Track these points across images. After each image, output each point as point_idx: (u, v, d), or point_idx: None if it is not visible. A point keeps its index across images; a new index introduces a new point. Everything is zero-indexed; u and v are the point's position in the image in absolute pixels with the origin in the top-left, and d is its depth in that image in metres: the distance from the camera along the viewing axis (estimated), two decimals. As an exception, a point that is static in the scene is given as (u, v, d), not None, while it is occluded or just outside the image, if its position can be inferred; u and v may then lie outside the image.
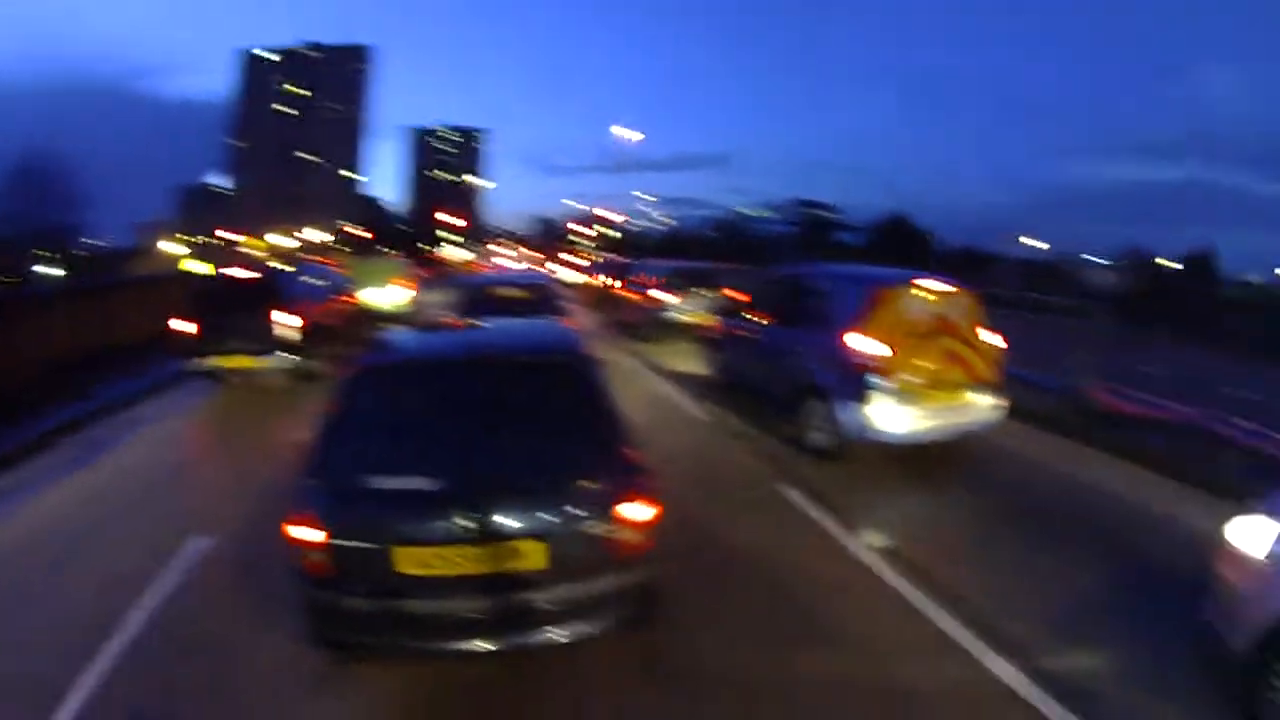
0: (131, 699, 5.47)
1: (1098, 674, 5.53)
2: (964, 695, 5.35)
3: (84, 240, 58.40)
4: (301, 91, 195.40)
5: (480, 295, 14.28)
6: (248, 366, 14.92)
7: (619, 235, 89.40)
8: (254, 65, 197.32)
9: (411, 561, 5.02)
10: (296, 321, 14.95)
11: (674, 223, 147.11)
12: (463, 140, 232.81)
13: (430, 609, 5.11)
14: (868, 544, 7.63)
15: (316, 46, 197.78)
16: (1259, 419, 10.84)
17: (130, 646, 6.05)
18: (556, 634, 5.23)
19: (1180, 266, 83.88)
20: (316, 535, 5.06)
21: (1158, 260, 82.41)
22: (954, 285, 10.22)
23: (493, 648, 5.18)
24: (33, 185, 48.28)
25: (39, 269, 50.80)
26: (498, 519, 5.03)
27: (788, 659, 5.78)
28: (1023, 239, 78.35)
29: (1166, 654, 5.75)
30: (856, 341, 9.65)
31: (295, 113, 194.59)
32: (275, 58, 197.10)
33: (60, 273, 51.98)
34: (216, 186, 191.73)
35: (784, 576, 7.00)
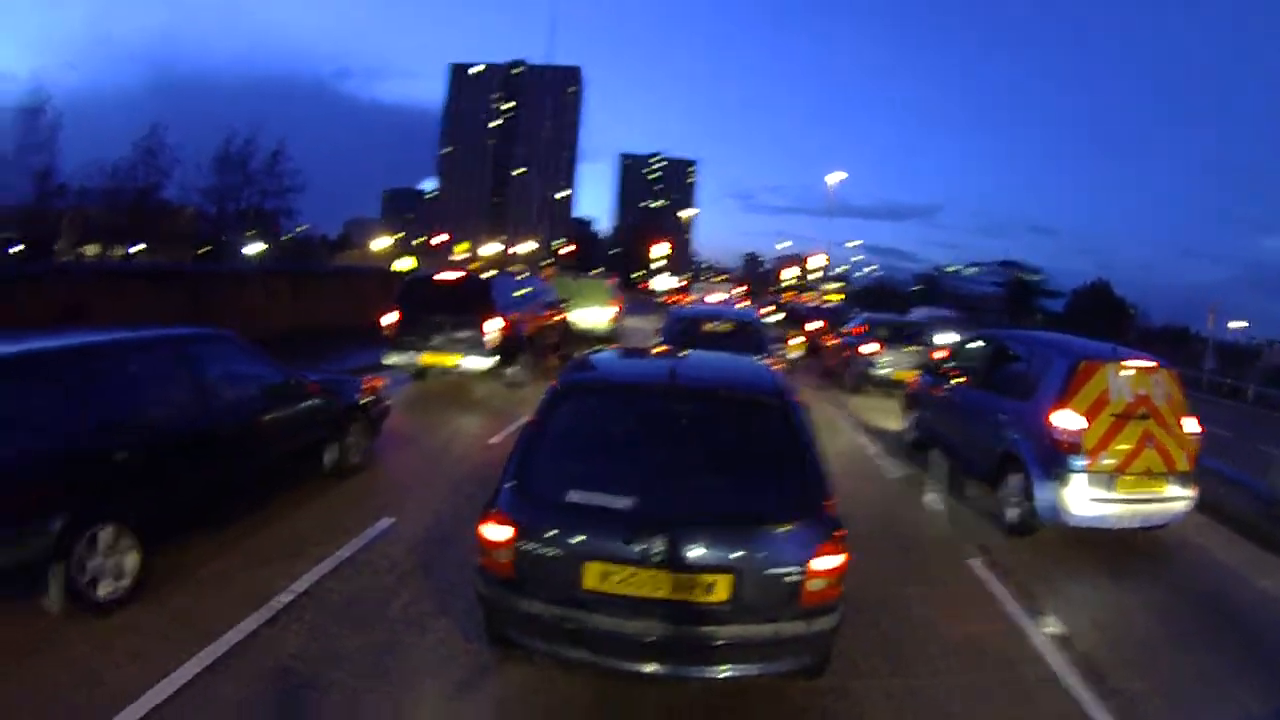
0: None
1: None
2: None
3: (290, 225, 61.25)
4: (511, 107, 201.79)
5: (687, 326, 14.21)
6: (447, 365, 15.59)
7: (840, 282, 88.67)
8: (464, 78, 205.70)
9: (596, 576, 5.13)
10: (500, 326, 15.55)
11: (879, 272, 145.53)
12: (674, 170, 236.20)
13: (606, 625, 5.17)
14: (1044, 629, 7.26)
15: (527, 65, 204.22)
16: None
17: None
18: (728, 670, 5.23)
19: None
20: (509, 535, 5.25)
21: None
22: (1159, 364, 9.65)
23: (661, 672, 5.21)
24: (240, 167, 51.15)
25: (248, 250, 53.60)
26: (687, 548, 5.07)
27: None
28: (1223, 318, 73.71)
29: None
30: (1060, 418, 9.19)
31: (504, 126, 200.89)
32: (485, 71, 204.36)
33: (259, 249, 54.72)
34: (424, 191, 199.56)
35: (952, 648, 6.76)
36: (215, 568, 7.13)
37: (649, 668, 5.21)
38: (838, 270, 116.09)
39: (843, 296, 74.23)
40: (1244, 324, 72.67)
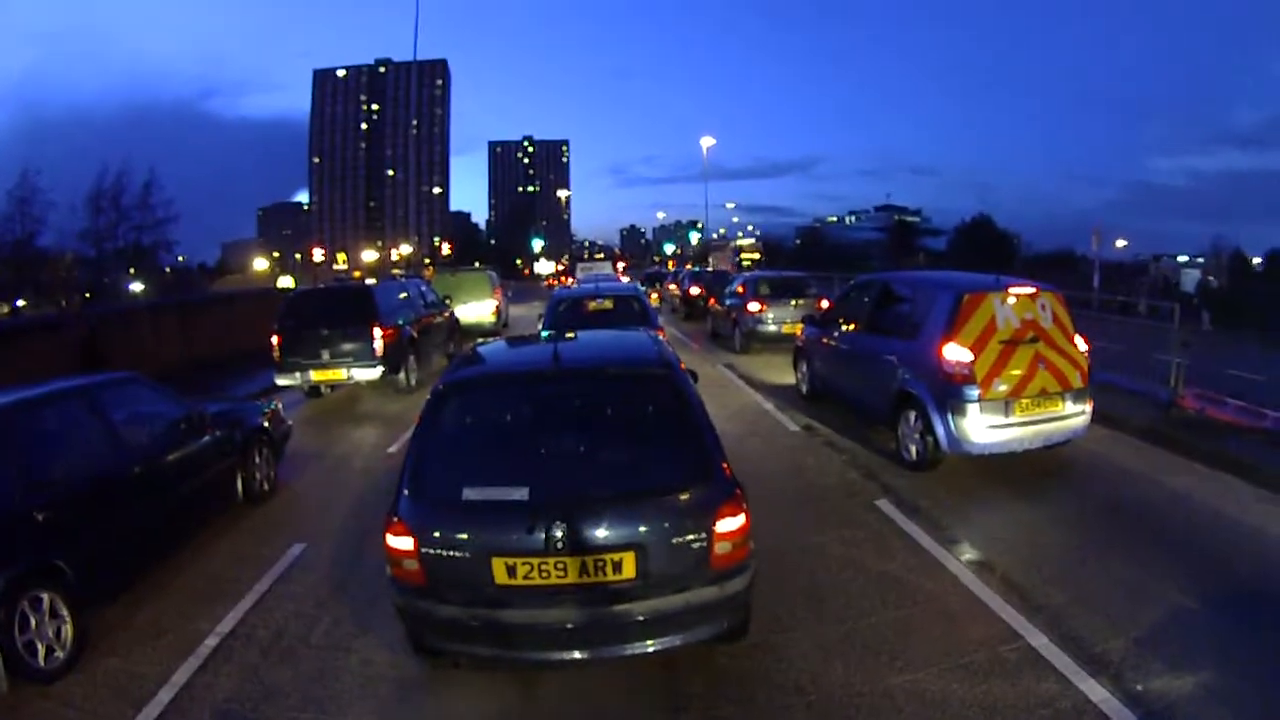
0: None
1: (1189, 696, 5.25)
2: (1053, 714, 5.16)
3: (170, 258, 59.98)
4: (378, 108, 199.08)
5: (570, 307, 14.20)
6: (338, 379, 15.46)
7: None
8: (328, 83, 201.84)
9: (504, 571, 5.08)
10: (384, 334, 15.46)
11: (759, 231, 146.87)
12: (546, 153, 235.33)
13: (522, 619, 5.15)
14: (960, 556, 7.48)
15: (391, 63, 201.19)
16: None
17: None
18: (650, 645, 5.24)
19: (1264, 261, 79.65)
20: (412, 544, 5.17)
21: (1247, 258, 78.89)
22: (1043, 289, 9.98)
23: (584, 658, 5.22)
24: (114, 205, 49.88)
25: (131, 288, 52.22)
26: (589, 530, 5.06)
27: (876, 672, 5.69)
28: (1105, 238, 76.42)
29: (1256, 677, 5.41)
30: (950, 352, 9.42)
31: (373, 128, 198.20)
32: (349, 75, 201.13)
33: (140, 288, 53.37)
34: (299, 204, 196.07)
35: (874, 589, 6.91)
36: (143, 618, 6.91)
37: (571, 655, 5.21)
38: (718, 232, 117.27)
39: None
40: (1125, 243, 75.26)
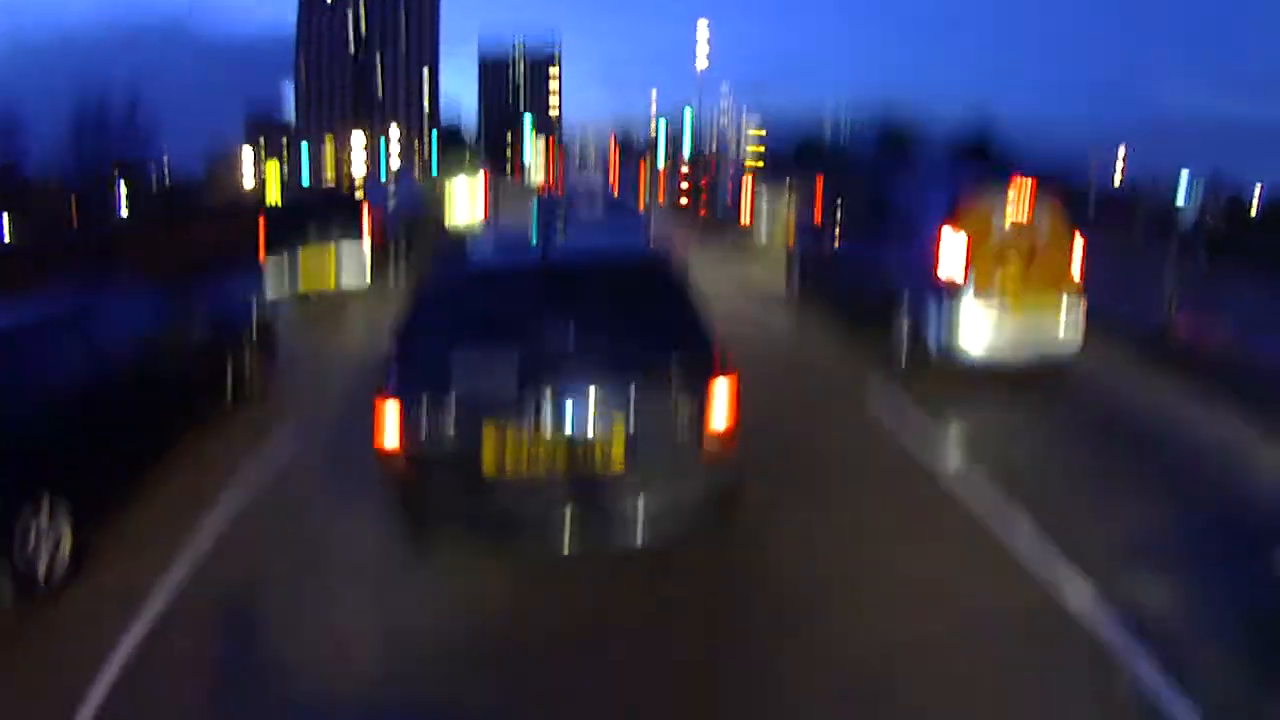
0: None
1: (1160, 608, 5.31)
2: (1026, 614, 5.28)
3: (158, 174, 59.36)
4: (364, 13, 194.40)
5: (561, 209, 14.03)
6: (327, 288, 15.33)
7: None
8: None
9: (494, 454, 5.07)
10: (373, 237, 15.51)
11: (757, 132, 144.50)
12: (534, 53, 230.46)
13: (511, 503, 5.18)
14: (950, 453, 7.60)
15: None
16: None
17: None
18: (640, 532, 5.26)
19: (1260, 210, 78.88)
20: (399, 423, 5.17)
21: (1246, 203, 77.98)
22: (1039, 188, 9.74)
23: (576, 545, 5.27)
24: (101, 124, 49.16)
25: (121, 208, 51.80)
26: (579, 414, 5.08)
27: (874, 566, 5.81)
28: (1103, 167, 75.33)
29: (1224, 598, 5.46)
30: (945, 256, 9.35)
31: (360, 25, 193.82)
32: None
33: (130, 204, 52.92)
34: (286, 116, 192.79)
35: (866, 481, 7.05)
36: (140, 525, 6.88)
37: (559, 539, 5.26)
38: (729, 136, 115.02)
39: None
40: (1122, 172, 74.16)
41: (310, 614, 5.53)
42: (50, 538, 5.92)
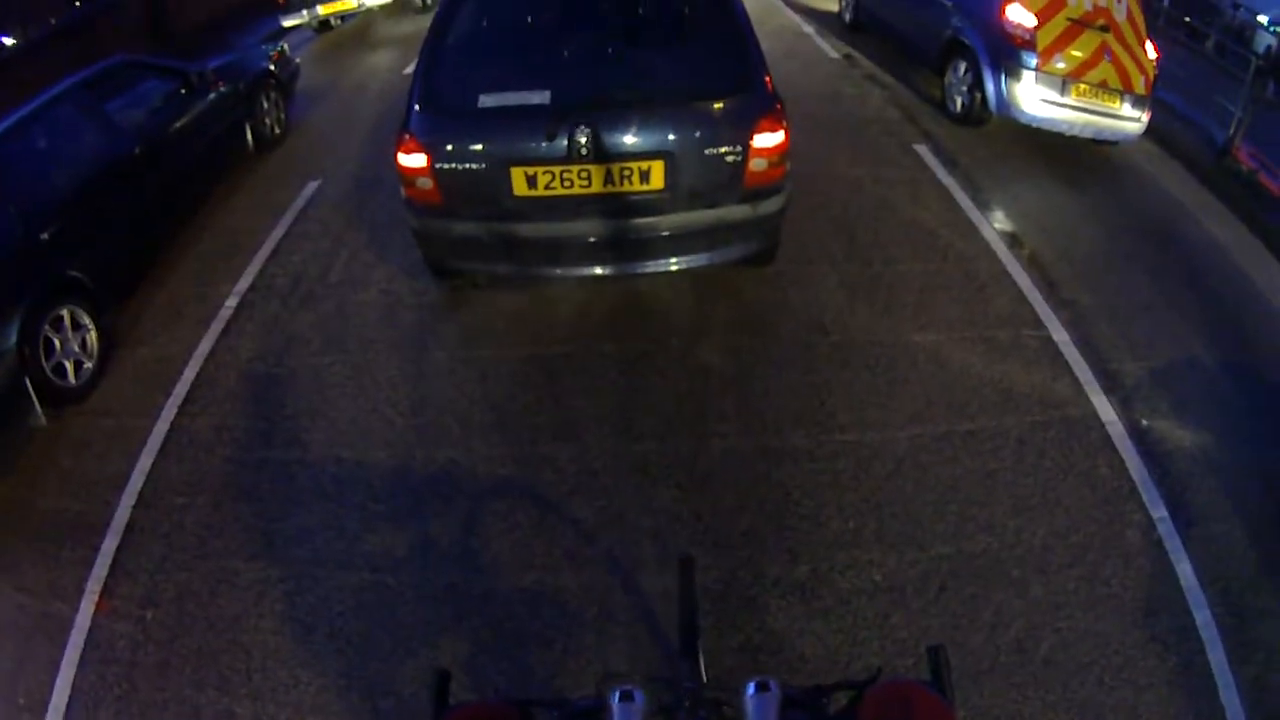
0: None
1: (1189, 444, 5.06)
2: (1062, 419, 5.11)
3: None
4: None
5: None
6: (348, 9, 14.28)
7: None
8: None
9: (523, 182, 4.81)
10: None
11: None
12: None
13: (543, 232, 4.98)
14: (993, 223, 7.20)
15: None
16: None
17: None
18: (674, 262, 5.10)
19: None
20: (424, 161, 4.86)
21: None
22: None
23: (606, 273, 5.13)
24: None
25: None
26: (615, 135, 4.73)
27: (900, 324, 5.73)
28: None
29: (1250, 435, 5.20)
30: (1014, 11, 8.59)
31: None
32: None
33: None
34: None
35: (905, 235, 6.78)
36: (163, 297, 6.62)
37: (592, 269, 5.11)
38: None
39: None
40: None
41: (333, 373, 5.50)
42: (75, 335, 5.71)
